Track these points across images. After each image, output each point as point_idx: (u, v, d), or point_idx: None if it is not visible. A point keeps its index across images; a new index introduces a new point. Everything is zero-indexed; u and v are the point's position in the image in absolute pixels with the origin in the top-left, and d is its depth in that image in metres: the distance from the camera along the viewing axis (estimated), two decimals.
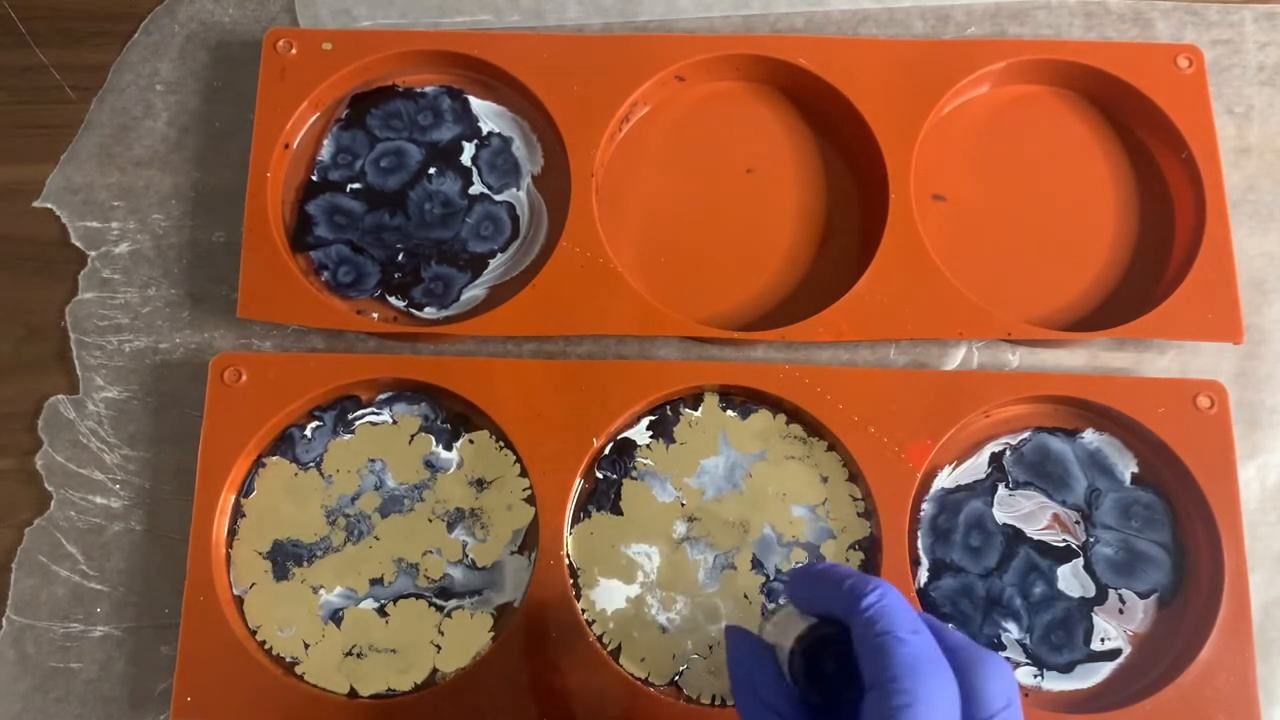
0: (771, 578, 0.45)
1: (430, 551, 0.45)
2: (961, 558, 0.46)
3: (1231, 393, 0.47)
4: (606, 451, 0.47)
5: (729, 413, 0.47)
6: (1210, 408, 0.46)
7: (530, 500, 0.46)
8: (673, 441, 0.47)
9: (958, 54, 0.52)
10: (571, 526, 0.46)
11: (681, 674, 0.44)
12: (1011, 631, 0.45)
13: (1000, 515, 0.46)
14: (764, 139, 0.52)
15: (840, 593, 0.32)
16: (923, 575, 0.46)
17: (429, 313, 0.49)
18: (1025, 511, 0.46)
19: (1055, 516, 0.46)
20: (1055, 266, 0.50)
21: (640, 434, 0.47)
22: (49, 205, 0.51)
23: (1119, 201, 0.51)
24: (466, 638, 0.44)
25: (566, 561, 0.45)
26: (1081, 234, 0.51)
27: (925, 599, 0.45)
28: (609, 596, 0.45)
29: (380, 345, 0.49)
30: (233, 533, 0.46)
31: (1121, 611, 0.45)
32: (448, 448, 0.47)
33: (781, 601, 0.44)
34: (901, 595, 0.31)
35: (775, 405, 0.47)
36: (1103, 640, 0.45)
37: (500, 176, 0.51)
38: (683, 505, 0.46)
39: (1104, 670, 0.45)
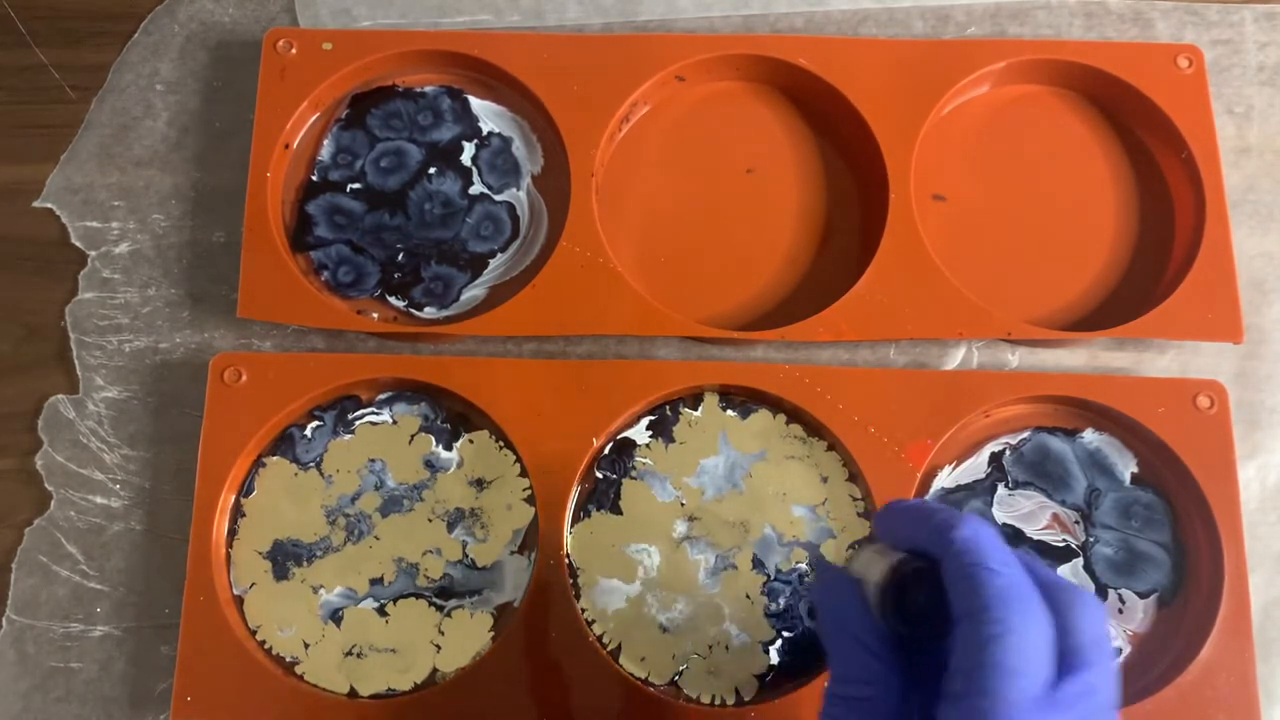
0: (772, 577, 0.45)
1: (430, 551, 0.45)
2: None
3: (1231, 393, 0.47)
4: (606, 451, 0.47)
5: (729, 413, 0.47)
6: (1210, 408, 0.46)
7: (530, 500, 0.46)
8: (672, 441, 0.47)
9: (958, 54, 0.52)
10: (571, 526, 0.46)
11: (681, 674, 0.44)
12: None
13: (1000, 515, 0.46)
14: (764, 139, 0.52)
15: (931, 526, 0.31)
16: None
17: (429, 313, 0.49)
18: (1025, 511, 0.46)
19: (1055, 516, 0.46)
20: (1055, 266, 0.50)
21: (640, 434, 0.47)
22: (49, 205, 0.51)
23: (1119, 201, 0.51)
24: (466, 638, 0.44)
25: (566, 561, 0.45)
26: (1081, 234, 0.51)
27: None
28: (609, 596, 0.45)
29: (380, 345, 0.49)
30: (233, 533, 0.46)
31: (1121, 611, 0.45)
32: (448, 448, 0.47)
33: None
34: (993, 530, 0.31)
35: (775, 405, 0.47)
36: None
37: (500, 176, 0.51)
38: (682, 505, 0.46)
39: None
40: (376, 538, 0.46)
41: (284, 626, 0.45)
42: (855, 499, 0.46)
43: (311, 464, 0.46)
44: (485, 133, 0.51)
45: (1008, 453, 0.47)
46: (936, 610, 0.30)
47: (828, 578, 0.34)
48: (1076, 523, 0.46)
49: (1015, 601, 0.29)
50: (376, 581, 0.45)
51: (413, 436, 0.47)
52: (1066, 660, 0.29)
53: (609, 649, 0.44)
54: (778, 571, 0.45)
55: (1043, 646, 0.29)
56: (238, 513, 0.46)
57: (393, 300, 0.49)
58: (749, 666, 0.44)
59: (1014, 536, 0.46)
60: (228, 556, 0.45)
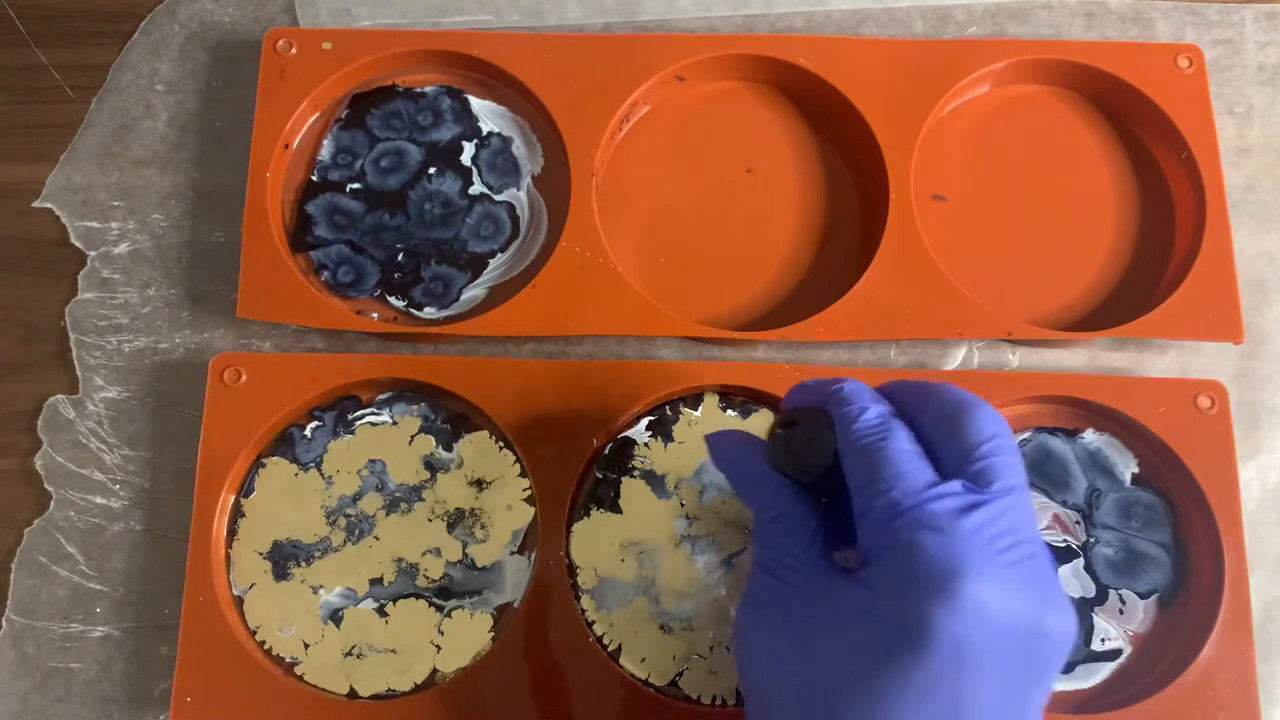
0: None
1: (430, 551, 0.45)
2: None
3: (1231, 393, 0.47)
4: (606, 451, 0.47)
5: (729, 413, 0.47)
6: (1210, 408, 0.46)
7: (530, 500, 0.46)
8: (672, 441, 0.47)
9: (958, 54, 0.52)
10: (571, 526, 0.46)
11: (682, 674, 0.44)
12: None
13: None
14: (764, 139, 0.52)
15: (820, 387, 0.36)
16: None
17: (429, 313, 0.49)
18: None
19: (1055, 516, 0.46)
20: (1055, 266, 0.50)
21: (640, 434, 0.47)
22: (49, 205, 0.51)
23: (1119, 201, 0.51)
24: (466, 638, 0.44)
25: (566, 561, 0.45)
26: (1081, 234, 0.51)
27: None
28: (609, 596, 0.45)
29: (380, 345, 0.49)
30: (233, 533, 0.46)
31: (1122, 612, 0.45)
32: (447, 448, 0.47)
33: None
34: (866, 386, 0.36)
35: (775, 405, 0.47)
36: (1103, 640, 0.45)
37: (500, 176, 0.51)
38: (682, 505, 0.46)
39: (1104, 670, 0.45)
40: (376, 538, 0.46)
41: (284, 627, 0.45)
42: None
43: (311, 464, 0.46)
44: (485, 133, 0.51)
45: None
46: (822, 451, 0.34)
47: (723, 438, 0.38)
48: (1077, 523, 0.46)
49: (882, 421, 0.34)
50: (376, 582, 0.45)
51: (413, 437, 0.47)
52: (959, 460, 0.33)
53: (609, 649, 0.44)
54: None
55: (916, 450, 0.33)
56: (238, 513, 0.46)
57: (392, 300, 0.49)
58: None
59: None
60: (228, 557, 0.45)
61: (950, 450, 0.33)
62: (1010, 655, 0.30)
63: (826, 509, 0.36)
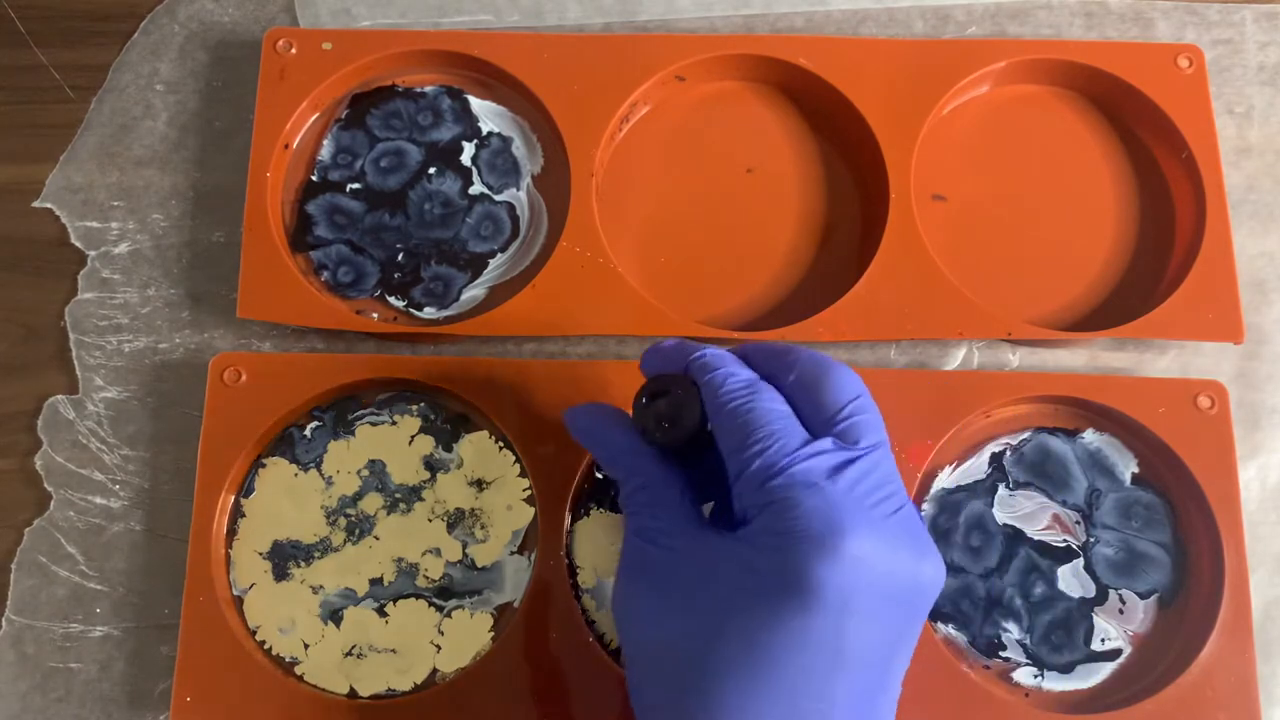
0: None
1: (430, 551, 0.45)
2: (962, 558, 0.46)
3: (1232, 393, 0.47)
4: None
5: None
6: (1210, 408, 0.46)
7: (530, 500, 0.46)
8: None
9: (958, 54, 0.52)
10: (571, 526, 0.46)
11: None
12: (1012, 632, 0.45)
13: (1000, 515, 0.46)
14: (764, 139, 0.52)
15: (682, 352, 0.37)
16: None
17: (429, 313, 0.49)
18: (1025, 512, 0.46)
19: (1055, 517, 0.46)
20: (1055, 266, 0.50)
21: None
22: (49, 205, 0.51)
23: (1119, 201, 0.51)
24: (466, 638, 0.44)
25: (566, 561, 0.45)
26: (1081, 234, 0.51)
27: None
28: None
29: (380, 345, 0.49)
30: (233, 533, 0.46)
31: (1122, 612, 0.45)
32: (447, 448, 0.47)
33: None
34: (727, 352, 0.37)
35: None
36: (1103, 640, 0.45)
37: (500, 176, 0.51)
38: None
39: (1104, 670, 0.45)
40: (376, 538, 0.46)
41: (284, 627, 0.45)
42: None
43: (311, 464, 0.46)
44: (485, 133, 0.51)
45: (1008, 453, 0.47)
46: (691, 416, 0.35)
47: (582, 410, 0.39)
48: (1077, 523, 0.46)
49: (750, 384, 0.35)
50: (376, 582, 0.45)
51: (413, 437, 0.47)
52: (825, 419, 0.34)
53: (609, 649, 0.44)
54: None
55: (786, 410, 0.34)
56: (238, 513, 0.46)
57: (392, 300, 0.49)
58: None
59: (1014, 536, 0.46)
60: (228, 557, 0.45)
61: (815, 411, 0.35)
62: (889, 604, 0.32)
63: (693, 475, 0.37)
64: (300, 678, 0.44)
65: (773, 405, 0.34)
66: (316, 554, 0.45)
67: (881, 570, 0.32)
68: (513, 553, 0.45)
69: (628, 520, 0.36)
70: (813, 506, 0.32)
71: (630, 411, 0.38)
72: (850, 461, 0.33)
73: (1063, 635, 0.45)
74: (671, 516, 0.35)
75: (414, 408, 0.47)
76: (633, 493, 0.36)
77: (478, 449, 0.47)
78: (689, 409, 0.35)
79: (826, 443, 0.33)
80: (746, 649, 0.32)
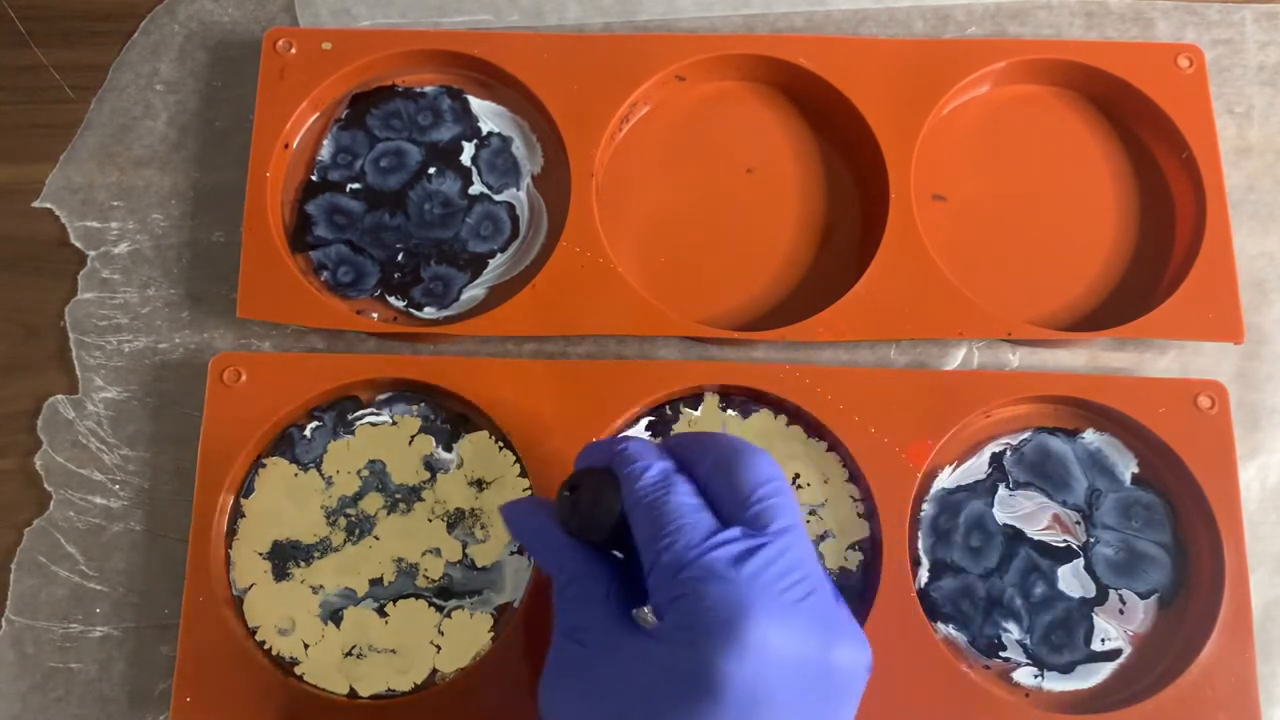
0: None
1: (430, 552, 0.45)
2: (962, 558, 0.46)
3: (1232, 393, 0.47)
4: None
5: (729, 413, 0.47)
6: (1210, 408, 0.46)
7: None
8: None
9: (958, 54, 0.52)
10: None
11: None
12: (1012, 632, 0.45)
13: (1000, 515, 0.46)
14: (764, 139, 0.52)
15: (606, 447, 0.37)
16: (923, 576, 0.46)
17: (429, 313, 0.49)
18: (1025, 512, 0.46)
19: (1055, 517, 0.46)
20: (1055, 266, 0.50)
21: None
22: (48, 205, 0.51)
23: (1119, 201, 0.51)
24: (466, 638, 0.44)
25: None
26: (1081, 234, 0.51)
27: (925, 599, 0.45)
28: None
29: (380, 345, 0.49)
30: (233, 533, 0.46)
31: (1122, 612, 0.45)
32: (447, 448, 0.47)
33: None
34: (648, 442, 0.37)
35: (775, 405, 0.47)
36: (1103, 640, 0.45)
37: (500, 176, 0.51)
38: None
39: (1104, 670, 0.45)
40: (376, 538, 0.46)
41: (284, 627, 0.45)
42: (855, 499, 0.46)
43: (311, 464, 0.46)
44: (485, 133, 0.51)
45: (1008, 453, 0.47)
46: (608, 510, 0.35)
47: (515, 505, 0.39)
48: (1077, 523, 0.46)
49: (663, 476, 0.35)
50: (376, 582, 0.45)
51: (413, 437, 0.47)
52: (736, 506, 0.34)
53: None
54: None
55: (696, 501, 0.34)
56: (237, 513, 0.46)
57: (392, 300, 0.49)
58: None
59: (1014, 536, 0.46)
60: (227, 557, 0.45)
61: (728, 497, 0.34)
62: (802, 692, 0.31)
63: (621, 568, 0.36)
64: (300, 678, 0.44)
65: (683, 498, 0.34)
66: (316, 554, 0.45)
67: (789, 657, 0.31)
68: (513, 553, 0.45)
69: (556, 616, 0.36)
70: (718, 597, 0.31)
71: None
72: (756, 549, 0.32)
73: (1063, 635, 0.45)
74: (593, 614, 0.35)
75: (414, 408, 0.47)
76: (560, 588, 0.36)
77: (478, 449, 0.47)
78: (606, 502, 0.35)
79: (734, 531, 0.33)
80: None
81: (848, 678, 0.32)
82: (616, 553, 0.37)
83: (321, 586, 0.45)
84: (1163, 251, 0.50)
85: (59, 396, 0.48)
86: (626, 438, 0.37)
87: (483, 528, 0.46)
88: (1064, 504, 0.46)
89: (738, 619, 0.31)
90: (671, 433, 0.47)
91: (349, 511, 0.46)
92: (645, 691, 0.32)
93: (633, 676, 0.32)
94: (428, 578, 0.45)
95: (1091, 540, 0.46)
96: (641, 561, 0.34)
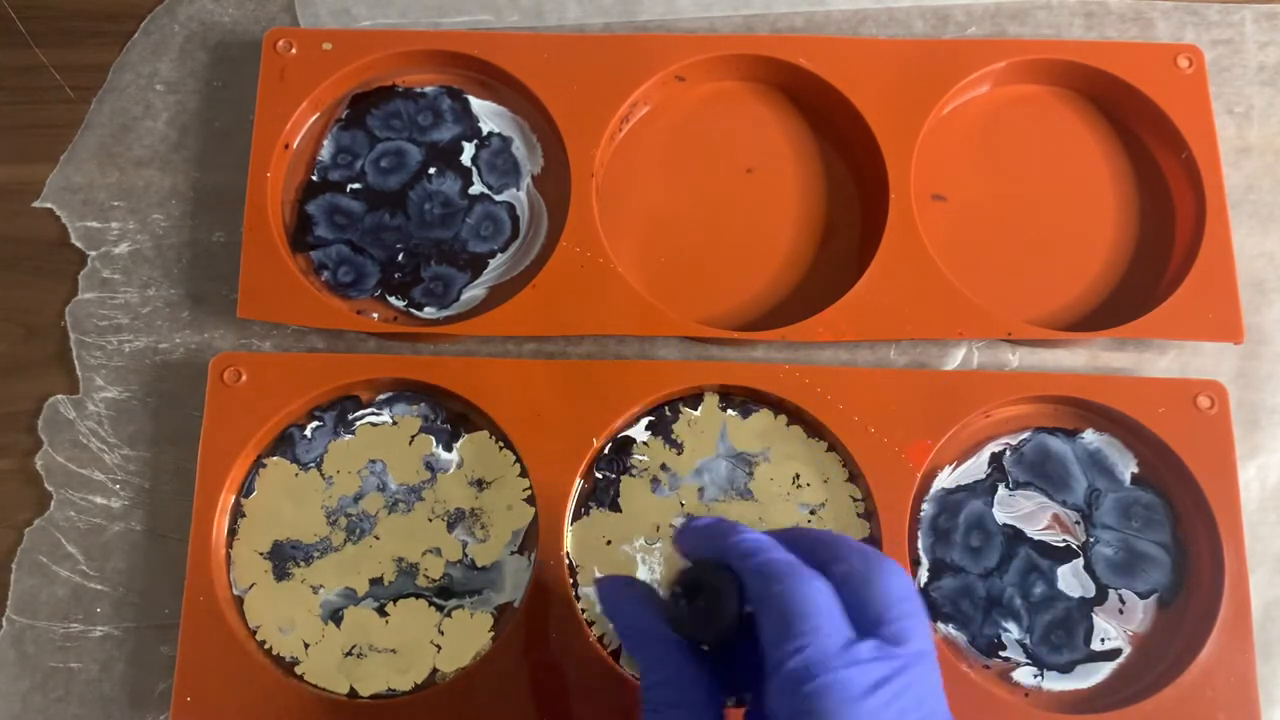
0: None
1: (430, 551, 0.45)
2: (962, 558, 0.46)
3: (1231, 393, 0.47)
4: (606, 451, 0.47)
5: (729, 412, 0.47)
6: (1210, 408, 0.46)
7: (530, 500, 0.46)
8: (672, 441, 0.47)
9: (958, 54, 0.52)
10: (571, 525, 0.46)
11: None
12: (1012, 631, 0.45)
13: (1000, 515, 0.46)
14: (764, 139, 0.52)
15: (719, 533, 0.35)
16: (923, 575, 0.46)
17: (429, 313, 0.49)
18: (1025, 512, 0.46)
19: (1055, 517, 0.46)
20: (1055, 266, 0.50)
21: (640, 433, 0.47)
22: (49, 205, 0.51)
23: (1119, 201, 0.51)
24: (466, 638, 0.44)
25: (566, 561, 0.45)
26: (1081, 234, 0.51)
27: (925, 599, 0.45)
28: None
29: (380, 345, 0.49)
30: (233, 533, 0.46)
31: (1121, 612, 0.45)
32: (447, 448, 0.47)
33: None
34: (768, 536, 0.34)
35: (775, 405, 0.47)
36: (1103, 640, 0.45)
37: (500, 176, 0.51)
38: (682, 504, 0.46)
39: (1104, 670, 0.45)
40: (376, 538, 0.46)
41: (284, 627, 0.45)
42: (855, 499, 0.46)
43: (312, 464, 0.46)
44: (485, 133, 0.51)
45: (1008, 453, 0.47)
46: (727, 614, 0.33)
47: (613, 585, 0.37)
48: (1077, 523, 0.46)
49: (796, 572, 0.32)
50: (376, 581, 0.45)
51: (413, 437, 0.47)
52: (872, 618, 0.32)
53: (609, 649, 0.44)
54: None
55: (833, 603, 0.32)
56: (238, 513, 0.46)
57: (393, 300, 0.49)
58: None
59: (1014, 536, 0.46)
60: (228, 556, 0.45)
61: (861, 607, 0.32)
62: None
63: (718, 664, 0.35)
64: (300, 678, 0.44)
65: (818, 597, 0.31)
66: (316, 554, 0.45)
67: None
68: (513, 553, 0.45)
69: (645, 713, 0.34)
70: (839, 708, 0.29)
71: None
72: (891, 677, 0.31)
73: (1063, 635, 0.45)
74: (686, 717, 0.33)
75: (414, 408, 0.47)
76: (655, 685, 0.34)
77: (478, 449, 0.47)
78: (727, 603, 0.33)
79: (870, 648, 0.31)
80: None
81: None
82: (705, 647, 0.35)
83: (322, 586, 0.45)
84: (1163, 251, 0.50)
85: (59, 396, 0.48)
86: (742, 528, 0.34)
87: (483, 528, 0.46)
88: (1064, 504, 0.46)
89: None
90: (672, 433, 0.47)
91: (349, 511, 0.46)
92: None
93: None
94: (428, 577, 0.45)
95: (1091, 540, 0.46)
96: (766, 658, 0.32)
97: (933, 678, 0.32)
